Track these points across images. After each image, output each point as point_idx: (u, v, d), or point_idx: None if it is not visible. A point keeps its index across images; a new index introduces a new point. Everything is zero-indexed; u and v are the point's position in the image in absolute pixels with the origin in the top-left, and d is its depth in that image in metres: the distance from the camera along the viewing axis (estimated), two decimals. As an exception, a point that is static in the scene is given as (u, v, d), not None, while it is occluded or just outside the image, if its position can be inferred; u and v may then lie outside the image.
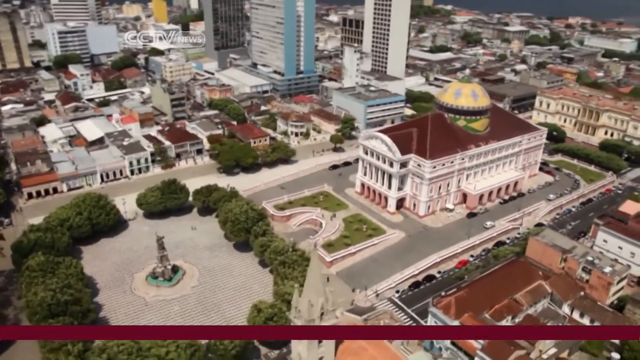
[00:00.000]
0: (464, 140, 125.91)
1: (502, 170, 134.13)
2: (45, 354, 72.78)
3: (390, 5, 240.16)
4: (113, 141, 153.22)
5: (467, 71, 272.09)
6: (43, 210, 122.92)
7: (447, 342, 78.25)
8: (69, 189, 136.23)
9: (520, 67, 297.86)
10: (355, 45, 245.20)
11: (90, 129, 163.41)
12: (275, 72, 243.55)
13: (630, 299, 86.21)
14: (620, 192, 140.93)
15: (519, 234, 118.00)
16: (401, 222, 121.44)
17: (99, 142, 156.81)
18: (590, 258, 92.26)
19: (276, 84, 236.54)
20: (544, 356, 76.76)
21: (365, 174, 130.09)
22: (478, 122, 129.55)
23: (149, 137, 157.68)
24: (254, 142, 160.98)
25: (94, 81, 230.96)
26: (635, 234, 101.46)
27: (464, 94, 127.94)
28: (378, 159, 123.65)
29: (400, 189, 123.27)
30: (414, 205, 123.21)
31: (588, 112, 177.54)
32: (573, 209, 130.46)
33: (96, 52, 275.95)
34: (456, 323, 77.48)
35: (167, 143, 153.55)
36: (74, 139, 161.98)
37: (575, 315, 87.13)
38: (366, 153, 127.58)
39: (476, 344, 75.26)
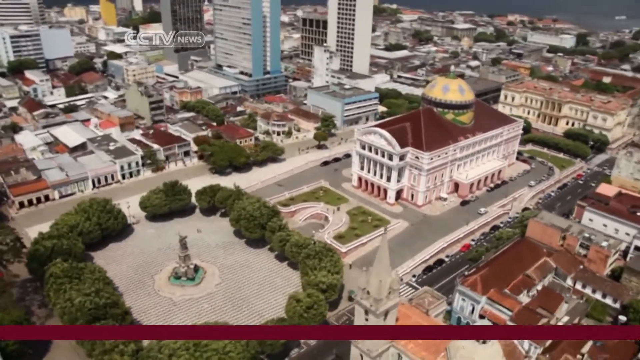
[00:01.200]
0: (454, 133, 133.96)
1: (486, 160, 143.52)
2: (96, 356, 72.29)
3: (354, 5, 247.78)
4: (97, 146, 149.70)
5: (425, 68, 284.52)
6: (37, 219, 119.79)
7: (476, 317, 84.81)
8: (61, 196, 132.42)
9: (473, 63, 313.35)
10: (323, 45, 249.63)
11: (70, 135, 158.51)
12: (242, 73, 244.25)
13: (626, 268, 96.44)
14: (589, 176, 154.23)
15: (509, 218, 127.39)
16: (401, 212, 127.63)
17: (81, 148, 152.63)
18: (586, 235, 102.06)
19: (244, 85, 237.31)
20: (560, 323, 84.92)
21: (362, 168, 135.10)
22: (465, 115, 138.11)
23: (133, 141, 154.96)
24: (240, 142, 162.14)
25: (54, 87, 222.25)
26: (617, 212, 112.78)
27: (451, 89, 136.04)
28: (377, 153, 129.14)
29: (397, 181, 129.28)
30: (412, 195, 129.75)
31: (551, 104, 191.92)
32: (552, 194, 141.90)
33: (51, 56, 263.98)
34: (484, 299, 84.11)
35: (155, 146, 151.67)
36: (52, 146, 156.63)
37: (578, 286, 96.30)
38: (363, 148, 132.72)
39: (504, 317, 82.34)
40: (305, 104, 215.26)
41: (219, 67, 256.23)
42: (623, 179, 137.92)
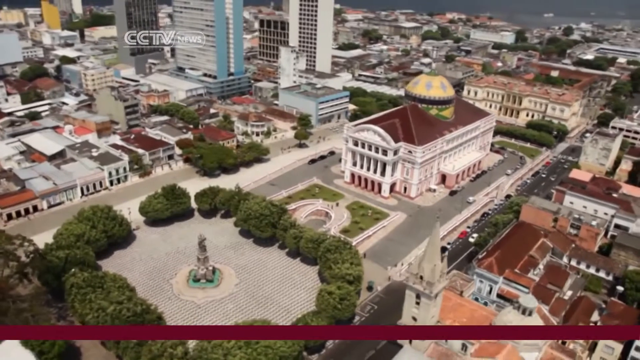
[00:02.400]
0: (439, 127, 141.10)
1: (467, 152, 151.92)
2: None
3: (316, 6, 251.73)
4: (79, 153, 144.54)
5: (383, 66, 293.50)
6: (29, 230, 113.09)
7: (494, 297, 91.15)
8: (49, 206, 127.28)
9: (425, 60, 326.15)
10: (286, 45, 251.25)
11: (45, 143, 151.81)
12: (205, 75, 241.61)
13: (615, 243, 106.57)
14: (556, 163, 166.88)
15: (495, 205, 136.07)
16: (396, 204, 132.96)
17: (59, 156, 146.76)
18: (576, 216, 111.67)
19: (209, 87, 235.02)
20: (565, 297, 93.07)
21: (355, 165, 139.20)
22: (447, 110, 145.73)
23: (115, 147, 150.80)
24: (223, 144, 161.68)
25: (8, 94, 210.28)
26: (595, 194, 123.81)
27: (434, 86, 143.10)
28: (370, 149, 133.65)
29: (391, 175, 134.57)
30: (405, 188, 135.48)
31: (512, 98, 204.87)
32: (528, 181, 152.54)
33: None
34: (501, 279, 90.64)
35: (140, 151, 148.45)
36: (27, 155, 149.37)
37: (573, 263, 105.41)
38: (356, 145, 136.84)
39: (521, 294, 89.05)
40: (276, 104, 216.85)
41: (181, 69, 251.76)
42: (590, 164, 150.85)
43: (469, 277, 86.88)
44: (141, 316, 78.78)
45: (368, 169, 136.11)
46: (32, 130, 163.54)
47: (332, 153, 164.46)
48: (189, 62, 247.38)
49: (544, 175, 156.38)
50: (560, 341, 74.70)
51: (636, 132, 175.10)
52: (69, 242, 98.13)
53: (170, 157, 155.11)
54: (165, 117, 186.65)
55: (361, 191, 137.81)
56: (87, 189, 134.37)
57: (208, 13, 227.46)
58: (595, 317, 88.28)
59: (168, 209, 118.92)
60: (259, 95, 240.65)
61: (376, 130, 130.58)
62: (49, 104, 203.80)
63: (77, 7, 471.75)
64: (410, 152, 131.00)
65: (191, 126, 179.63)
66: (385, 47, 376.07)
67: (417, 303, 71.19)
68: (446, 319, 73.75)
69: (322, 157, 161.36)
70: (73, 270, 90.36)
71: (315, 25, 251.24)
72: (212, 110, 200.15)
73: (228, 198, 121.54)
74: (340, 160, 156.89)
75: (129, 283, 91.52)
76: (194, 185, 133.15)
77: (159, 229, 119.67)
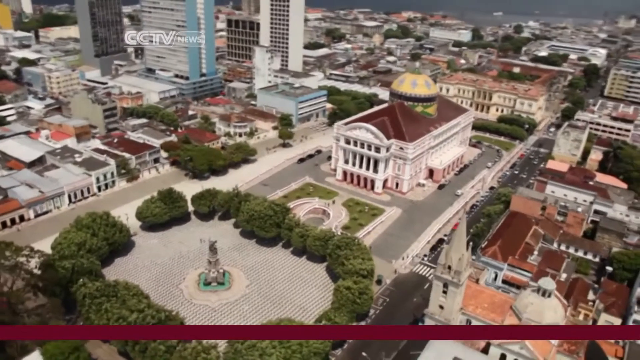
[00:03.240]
0: (426, 124, 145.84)
1: (450, 147, 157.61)
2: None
3: (288, 6, 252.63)
4: (60, 159, 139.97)
5: (353, 65, 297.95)
6: (19, 241, 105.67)
7: (499, 283, 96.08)
8: (36, 215, 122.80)
9: (391, 58, 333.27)
10: (265, 46, 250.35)
11: (21, 149, 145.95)
12: (177, 76, 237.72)
13: (600, 228, 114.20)
14: (529, 155, 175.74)
15: (482, 197, 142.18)
16: (390, 200, 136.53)
17: (39, 163, 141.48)
18: (562, 204, 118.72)
19: (182, 88, 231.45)
20: (561, 279, 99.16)
21: (347, 162, 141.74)
22: (431, 107, 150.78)
23: (98, 151, 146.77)
24: (208, 146, 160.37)
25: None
26: (573, 183, 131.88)
27: (419, 84, 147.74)
28: (362, 146, 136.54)
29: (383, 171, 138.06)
30: (397, 184, 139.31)
31: (482, 94, 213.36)
32: (507, 173, 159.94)
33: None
34: (505, 265, 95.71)
35: (126, 155, 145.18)
36: (2, 162, 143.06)
37: (562, 248, 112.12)
38: (348, 143, 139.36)
39: (525, 279, 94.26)
40: (253, 104, 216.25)
41: (150, 70, 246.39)
42: (563, 155, 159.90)
43: (481, 265, 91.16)
44: (165, 323, 78.10)
45: (360, 166, 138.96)
46: (1, 137, 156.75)
47: (319, 152, 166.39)
48: (159, 63, 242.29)
49: (517, 172, 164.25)
50: (572, 310, 79.87)
51: (598, 124, 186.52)
52: (71, 251, 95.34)
53: (156, 160, 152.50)
54: (143, 120, 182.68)
55: (354, 188, 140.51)
56: (75, 196, 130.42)
57: (179, 13, 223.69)
58: (590, 296, 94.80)
59: (166, 213, 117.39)
60: (233, 95, 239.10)
61: (368, 128, 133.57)
62: (10, 108, 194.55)
63: (27, 7, 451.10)
64: (401, 148, 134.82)
65: (171, 128, 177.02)
66: (349, 46, 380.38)
67: (444, 292, 74.46)
68: (468, 305, 77.47)
69: (310, 156, 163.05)
70: (81, 280, 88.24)
71: (287, 25, 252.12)
72: (190, 112, 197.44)
73: (227, 200, 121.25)
74: (328, 159, 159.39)
75: (142, 290, 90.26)
76: (185, 188, 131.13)
77: (157, 234, 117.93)
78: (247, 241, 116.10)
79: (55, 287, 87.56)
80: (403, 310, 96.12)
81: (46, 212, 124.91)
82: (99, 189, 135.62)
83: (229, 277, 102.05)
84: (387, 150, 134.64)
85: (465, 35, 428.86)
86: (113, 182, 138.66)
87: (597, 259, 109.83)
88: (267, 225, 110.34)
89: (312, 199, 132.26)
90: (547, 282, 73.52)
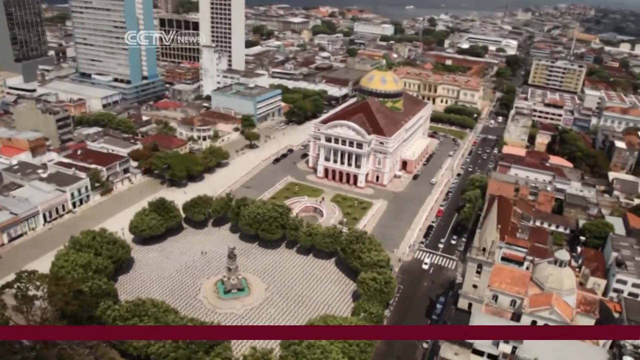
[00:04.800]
0: (397, 118, 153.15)
1: (416, 139, 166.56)
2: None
3: (229, 6, 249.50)
4: (22, 176, 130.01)
5: (293, 62, 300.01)
6: (3, 269, 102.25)
7: (498, 260, 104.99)
8: (10, 239, 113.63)
9: (324, 54, 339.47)
10: (211, 45, 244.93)
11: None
12: (116, 80, 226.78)
13: (566, 203, 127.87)
14: (480, 142, 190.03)
15: (453, 184, 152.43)
16: (373, 193, 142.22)
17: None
18: (533, 184, 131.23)
19: (124, 93, 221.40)
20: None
21: (328, 160, 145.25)
22: (399, 102, 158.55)
23: (63, 165, 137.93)
24: (177, 151, 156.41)
25: None
26: (533, 165, 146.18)
27: (388, 81, 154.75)
28: (344, 143, 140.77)
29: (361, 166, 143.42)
30: (377, 177, 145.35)
31: (427, 86, 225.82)
32: (468, 159, 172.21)
33: None
34: (503, 244, 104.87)
35: (94, 167, 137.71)
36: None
37: (538, 224, 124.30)
38: (329, 140, 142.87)
39: (521, 254, 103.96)
40: (206, 106, 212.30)
41: (84, 75, 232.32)
42: (514, 140, 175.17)
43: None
44: (214, 343, 76.95)
45: (342, 163, 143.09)
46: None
47: (290, 151, 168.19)
48: (95, 67, 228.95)
49: (479, 152, 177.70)
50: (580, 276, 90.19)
51: (534, 110, 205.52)
52: (78, 274, 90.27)
53: (126, 170, 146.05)
54: (96, 129, 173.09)
55: (336, 184, 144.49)
56: (50, 215, 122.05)
57: (117, 13, 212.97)
58: (573, 263, 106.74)
59: (162, 224, 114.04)
60: (178, 98, 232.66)
61: (350, 126, 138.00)
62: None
63: None
64: (381, 143, 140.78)
65: (130, 135, 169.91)
66: (279, 42, 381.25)
67: (478, 272, 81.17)
68: (494, 282, 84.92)
69: (284, 156, 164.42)
70: (103, 302, 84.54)
71: (229, 23, 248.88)
72: (144, 118, 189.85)
73: (222, 205, 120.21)
74: (302, 157, 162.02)
75: (170, 306, 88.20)
76: (168, 197, 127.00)
77: (154, 247, 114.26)
78: (250, 245, 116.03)
79: (83, 313, 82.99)
80: (418, 294, 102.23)
81: (21, 235, 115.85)
82: (74, 205, 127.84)
83: (246, 282, 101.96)
84: (369, 145, 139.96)
85: (389, 30, 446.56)
86: (87, 196, 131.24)
87: (567, 231, 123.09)
88: (272, 227, 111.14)
89: (301, 198, 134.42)
90: (563, 254, 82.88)
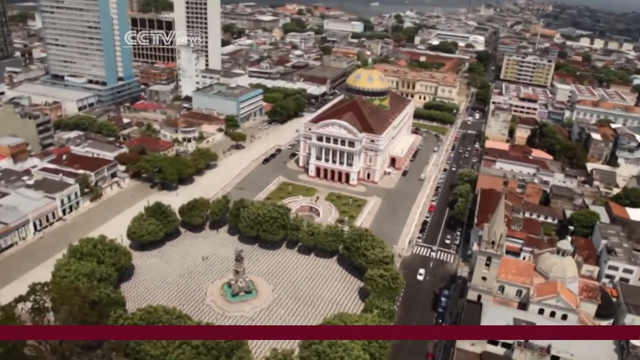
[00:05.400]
0: (385, 116, 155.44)
1: (402, 136, 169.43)
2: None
3: (206, 6, 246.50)
4: (6, 184, 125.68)
5: (268, 61, 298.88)
6: None
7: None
8: (0, 250, 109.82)
9: (297, 52, 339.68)
10: (189, 46, 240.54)
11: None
12: (91, 81, 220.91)
13: (552, 194, 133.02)
14: (461, 137, 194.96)
15: (441, 179, 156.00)
16: (366, 190, 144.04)
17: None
18: (521, 178, 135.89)
19: (100, 95, 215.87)
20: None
21: (319, 159, 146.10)
22: (386, 100, 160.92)
23: (48, 171, 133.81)
24: (165, 154, 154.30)
25: None
26: (517, 158, 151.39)
27: (375, 79, 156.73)
28: (336, 142, 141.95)
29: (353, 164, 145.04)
30: (368, 175, 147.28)
31: (406, 83, 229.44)
32: (452, 155, 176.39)
33: None
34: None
35: (81, 172, 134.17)
36: None
37: (527, 215, 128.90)
38: (320, 140, 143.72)
39: (517, 245, 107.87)
40: (186, 107, 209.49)
41: (56, 77, 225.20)
42: (495, 135, 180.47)
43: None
44: (235, 347, 76.63)
45: (334, 161, 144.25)
46: None
47: (279, 150, 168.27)
48: (68, 69, 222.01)
49: (461, 148, 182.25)
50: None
51: (510, 105, 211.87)
52: (82, 283, 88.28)
53: (114, 174, 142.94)
54: (77, 133, 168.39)
55: (329, 183, 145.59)
56: (40, 223, 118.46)
57: (90, 13, 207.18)
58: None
59: (161, 229, 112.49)
60: (156, 99, 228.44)
61: (342, 124, 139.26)
62: None
63: None
64: (372, 141, 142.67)
65: (113, 139, 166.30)
66: (250, 41, 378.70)
67: (487, 265, 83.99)
68: (500, 273, 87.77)
69: (273, 156, 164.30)
70: (114, 312, 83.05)
71: (206, 23, 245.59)
72: (125, 120, 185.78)
73: (221, 208, 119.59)
74: (291, 156, 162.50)
75: (182, 312, 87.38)
76: (160, 200, 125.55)
77: (152, 252, 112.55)
78: (250, 247, 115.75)
79: (100, 323, 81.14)
80: (422, 288, 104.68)
81: (11, 246, 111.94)
82: (64, 212, 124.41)
83: (253, 284, 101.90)
84: (360, 143, 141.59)
85: (359, 27, 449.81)
86: (77, 203, 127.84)
87: (555, 221, 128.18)
88: (274, 227, 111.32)
89: (296, 197, 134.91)
90: (566, 244, 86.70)
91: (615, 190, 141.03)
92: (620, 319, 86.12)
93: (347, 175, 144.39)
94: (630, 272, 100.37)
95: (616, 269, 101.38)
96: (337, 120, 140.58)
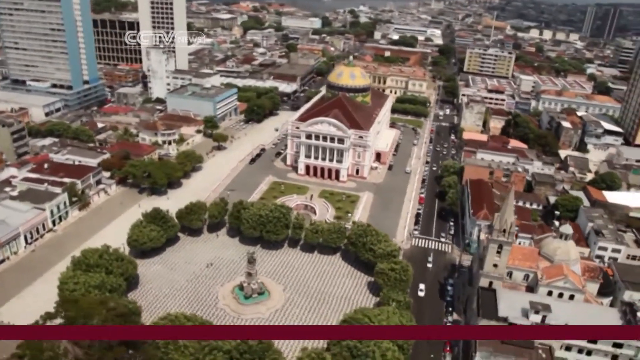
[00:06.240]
0: (369, 112, 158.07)
1: (383, 131, 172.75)
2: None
3: (172, 5, 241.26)
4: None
5: (234, 60, 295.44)
6: None
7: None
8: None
9: (260, 50, 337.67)
10: (159, 46, 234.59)
11: None
12: (55, 85, 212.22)
13: (535, 181, 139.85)
14: (438, 129, 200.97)
15: (425, 171, 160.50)
16: (357, 186, 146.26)
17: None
18: (505, 167, 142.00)
19: (67, 100, 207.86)
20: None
21: (308, 157, 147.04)
22: (368, 97, 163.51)
23: (30, 180, 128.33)
24: (148, 158, 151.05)
25: None
26: (497, 148, 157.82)
27: (357, 76, 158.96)
28: (325, 139, 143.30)
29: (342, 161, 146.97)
30: (357, 170, 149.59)
31: (377, 78, 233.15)
32: (431, 147, 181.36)
33: None
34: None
35: (74, 180, 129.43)
36: None
37: (513, 202, 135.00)
38: (309, 137, 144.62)
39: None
40: (159, 109, 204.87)
41: (16, 82, 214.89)
42: (470, 126, 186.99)
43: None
44: (266, 349, 76.77)
45: (324, 159, 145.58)
46: None
47: (263, 150, 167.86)
48: (30, 73, 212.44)
49: (439, 140, 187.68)
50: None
51: (480, 96, 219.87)
52: (95, 295, 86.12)
53: (99, 181, 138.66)
54: (52, 139, 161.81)
55: (319, 180, 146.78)
56: (31, 236, 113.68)
57: (53, 15, 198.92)
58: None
59: (162, 235, 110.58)
60: (124, 102, 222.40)
61: (331, 122, 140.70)
62: None
63: None
64: (361, 137, 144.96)
65: (91, 144, 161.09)
66: (210, 40, 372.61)
67: (498, 252, 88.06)
68: (507, 260, 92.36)
69: (259, 156, 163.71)
70: (141, 323, 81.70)
71: (172, 22, 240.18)
72: (99, 125, 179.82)
73: (220, 210, 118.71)
74: (277, 155, 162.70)
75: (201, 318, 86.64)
76: (151, 206, 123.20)
77: (154, 259, 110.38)
78: (253, 248, 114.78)
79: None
80: (426, 279, 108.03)
81: (2, 261, 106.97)
82: (54, 222, 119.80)
83: (264, 286, 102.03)
84: (349, 139, 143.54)
85: (317, 23, 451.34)
86: (66, 213, 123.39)
87: (540, 207, 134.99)
88: (277, 227, 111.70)
89: (290, 196, 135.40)
90: (567, 228, 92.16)
91: (589, 175, 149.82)
92: (619, 296, 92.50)
93: (337, 171, 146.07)
94: (618, 251, 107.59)
95: (605, 249, 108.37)
96: (326, 118, 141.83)
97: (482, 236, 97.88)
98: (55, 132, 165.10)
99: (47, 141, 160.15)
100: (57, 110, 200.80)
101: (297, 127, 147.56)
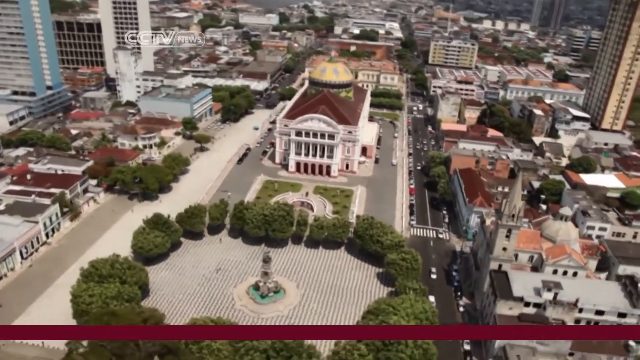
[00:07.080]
0: (353, 107, 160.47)
1: (366, 125, 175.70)
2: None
3: (135, 5, 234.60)
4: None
5: (199, 59, 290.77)
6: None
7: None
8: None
9: (222, 48, 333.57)
10: (125, 47, 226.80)
11: None
12: (16, 92, 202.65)
13: (518, 168, 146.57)
14: (414, 121, 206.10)
15: (409, 162, 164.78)
16: (348, 181, 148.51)
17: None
18: (489, 155, 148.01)
19: (31, 107, 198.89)
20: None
21: (299, 154, 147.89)
22: (351, 92, 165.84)
23: (14, 193, 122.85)
24: (131, 163, 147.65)
25: None
26: (477, 138, 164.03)
27: (340, 72, 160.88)
28: (315, 136, 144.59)
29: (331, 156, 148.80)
30: (347, 165, 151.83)
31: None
32: (411, 139, 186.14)
33: None
34: (492, 210, 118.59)
35: (54, 190, 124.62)
36: None
37: (500, 189, 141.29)
38: (299, 135, 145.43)
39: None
40: (132, 113, 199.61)
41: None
42: (446, 117, 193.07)
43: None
44: (300, 345, 77.68)
45: (314, 155, 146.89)
46: None
47: (249, 149, 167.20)
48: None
49: (415, 132, 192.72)
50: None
51: (451, 88, 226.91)
52: (115, 307, 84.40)
53: (86, 190, 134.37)
54: (27, 149, 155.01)
55: (310, 177, 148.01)
56: (26, 251, 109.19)
57: (12, 18, 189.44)
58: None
59: (167, 240, 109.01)
60: (92, 107, 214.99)
61: (321, 118, 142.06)
62: None
63: None
64: (350, 132, 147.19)
65: (73, 152, 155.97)
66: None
67: (507, 236, 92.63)
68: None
69: (245, 155, 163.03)
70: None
71: (137, 24, 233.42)
72: (73, 132, 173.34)
73: (221, 212, 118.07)
74: (263, 154, 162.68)
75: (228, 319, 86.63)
76: (146, 212, 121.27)
77: (160, 266, 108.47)
78: (258, 247, 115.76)
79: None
80: (430, 266, 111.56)
81: (0, 278, 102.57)
82: (47, 235, 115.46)
83: (278, 284, 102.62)
84: (339, 135, 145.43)
85: (275, 19, 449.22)
86: (59, 224, 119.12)
87: (525, 192, 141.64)
88: (283, 225, 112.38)
89: (285, 194, 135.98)
90: (566, 210, 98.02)
91: (564, 160, 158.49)
92: (614, 270, 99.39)
93: (328, 167, 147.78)
94: (604, 229, 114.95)
95: (593, 228, 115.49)
96: (315, 114, 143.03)
97: (488, 222, 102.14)
98: (28, 141, 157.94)
99: (21, 151, 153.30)
100: (22, 118, 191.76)
101: (286, 125, 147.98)
